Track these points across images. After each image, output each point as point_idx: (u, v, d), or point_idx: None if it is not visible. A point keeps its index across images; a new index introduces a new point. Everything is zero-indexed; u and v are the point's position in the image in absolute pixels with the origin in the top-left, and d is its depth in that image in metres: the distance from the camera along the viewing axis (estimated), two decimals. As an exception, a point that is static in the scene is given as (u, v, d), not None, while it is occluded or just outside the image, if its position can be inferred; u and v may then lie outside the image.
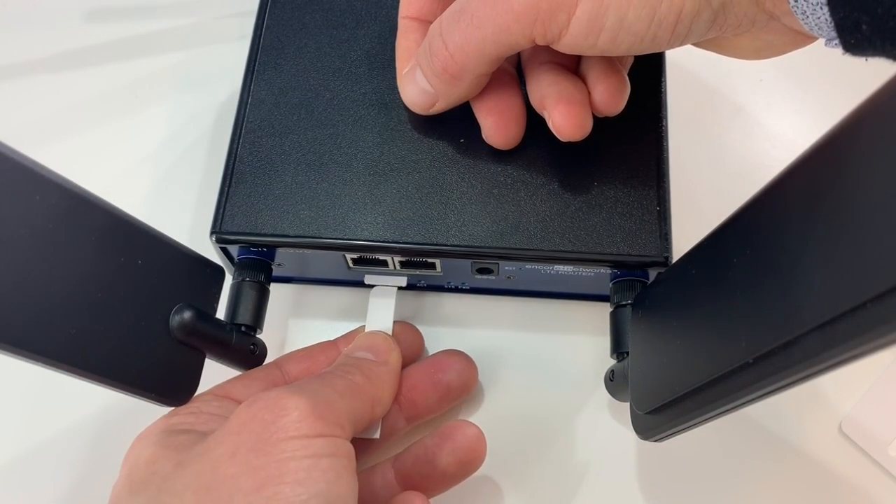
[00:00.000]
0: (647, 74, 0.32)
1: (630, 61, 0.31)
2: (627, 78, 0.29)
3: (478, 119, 0.30)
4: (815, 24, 0.22)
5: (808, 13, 0.21)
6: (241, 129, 0.32)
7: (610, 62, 0.29)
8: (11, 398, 0.34)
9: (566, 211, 0.30)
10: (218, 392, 0.28)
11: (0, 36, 0.42)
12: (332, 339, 0.32)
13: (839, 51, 0.21)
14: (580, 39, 0.25)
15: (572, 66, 0.29)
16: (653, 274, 0.30)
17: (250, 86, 0.32)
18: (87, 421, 0.33)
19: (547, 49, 0.29)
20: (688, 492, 0.32)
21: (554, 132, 0.28)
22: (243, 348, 0.30)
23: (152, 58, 0.41)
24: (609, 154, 0.31)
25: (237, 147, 0.31)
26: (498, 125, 0.30)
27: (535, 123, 0.31)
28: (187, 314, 0.27)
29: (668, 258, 0.29)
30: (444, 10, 0.28)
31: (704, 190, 0.36)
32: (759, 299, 0.20)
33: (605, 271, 0.31)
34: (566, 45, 0.25)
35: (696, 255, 0.26)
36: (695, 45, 0.27)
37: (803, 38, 0.25)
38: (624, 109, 0.30)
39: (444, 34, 0.27)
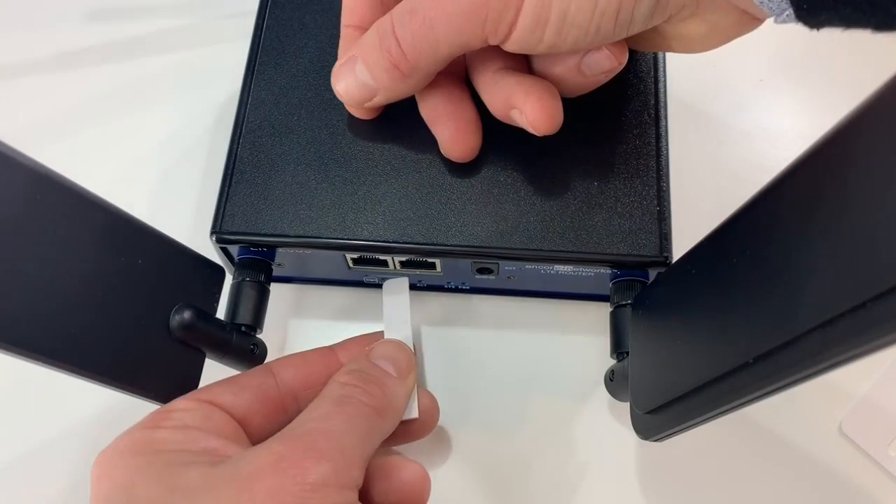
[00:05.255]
0: (646, 74, 0.32)
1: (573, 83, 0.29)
2: (561, 106, 0.28)
3: (434, 132, 0.30)
4: None
5: None
6: (241, 129, 0.32)
7: (548, 85, 0.28)
8: (11, 398, 0.34)
9: (566, 211, 0.30)
10: (203, 397, 0.26)
11: (0, 36, 0.42)
12: (329, 344, 0.31)
13: (791, 25, 0.21)
14: (527, 34, 0.25)
15: (526, 71, 0.29)
16: (653, 274, 0.30)
17: (250, 86, 0.33)
18: (86, 421, 0.33)
19: (496, 56, 0.29)
20: (688, 492, 0.32)
21: (528, 126, 0.27)
22: (243, 348, 0.30)
23: (152, 58, 0.41)
24: (609, 154, 0.31)
25: (237, 147, 0.31)
26: (456, 136, 0.29)
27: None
28: (187, 314, 0.27)
29: (668, 258, 0.29)
30: None
31: (704, 190, 0.36)
32: (759, 299, 0.20)
33: (605, 271, 0.31)
34: (515, 43, 0.26)
35: (696, 255, 0.26)
36: (644, 45, 0.27)
37: (749, 20, 0.25)
38: (625, 109, 0.30)
39: (396, 32, 0.27)
